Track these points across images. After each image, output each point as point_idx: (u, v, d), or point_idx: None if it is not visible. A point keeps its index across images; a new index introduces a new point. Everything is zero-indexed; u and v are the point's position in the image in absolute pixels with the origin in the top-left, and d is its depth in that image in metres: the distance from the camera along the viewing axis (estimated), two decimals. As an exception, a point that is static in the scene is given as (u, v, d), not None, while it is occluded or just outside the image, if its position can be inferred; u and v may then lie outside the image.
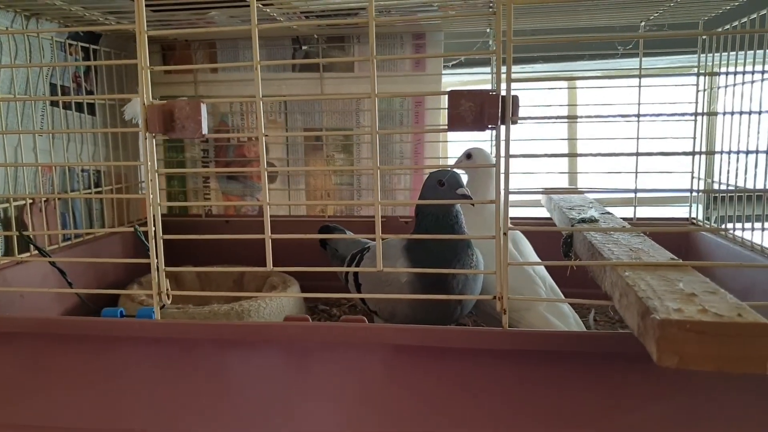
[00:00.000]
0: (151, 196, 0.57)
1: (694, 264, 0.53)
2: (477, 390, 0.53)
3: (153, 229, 0.58)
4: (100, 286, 0.96)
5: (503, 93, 0.51)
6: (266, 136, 0.58)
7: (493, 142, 1.10)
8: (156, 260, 0.58)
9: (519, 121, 0.53)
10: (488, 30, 1.04)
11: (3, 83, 0.83)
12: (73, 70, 0.98)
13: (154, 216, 0.57)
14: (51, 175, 0.95)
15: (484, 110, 0.51)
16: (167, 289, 0.59)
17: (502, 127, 0.52)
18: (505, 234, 0.53)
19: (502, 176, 0.52)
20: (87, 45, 1.00)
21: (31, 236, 0.81)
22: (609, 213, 0.79)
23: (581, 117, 0.97)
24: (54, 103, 0.94)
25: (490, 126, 0.52)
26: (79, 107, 1.00)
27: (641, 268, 0.51)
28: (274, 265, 0.58)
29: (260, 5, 0.79)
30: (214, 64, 1.15)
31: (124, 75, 1.10)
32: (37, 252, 0.86)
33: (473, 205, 0.83)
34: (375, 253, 0.85)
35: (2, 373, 0.60)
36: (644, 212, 1.08)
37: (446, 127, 0.52)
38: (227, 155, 1.18)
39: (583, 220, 0.75)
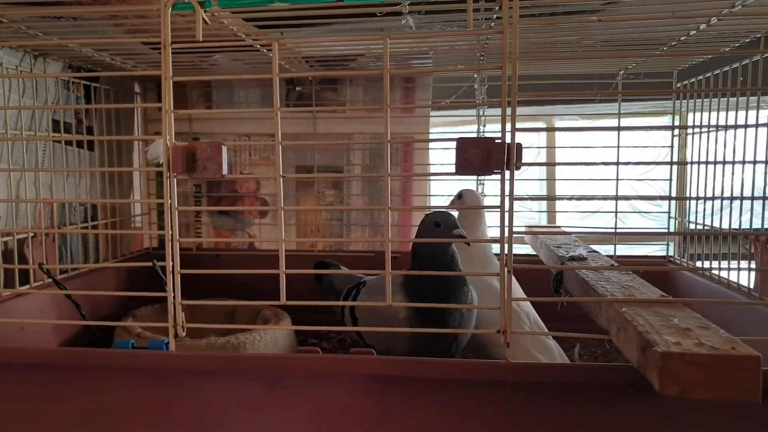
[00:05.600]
0: (171, 233, 0.60)
1: (681, 301, 0.57)
2: (478, 422, 0.56)
3: (171, 264, 0.60)
4: (94, 318, 0.97)
5: (508, 141, 0.55)
6: (283, 177, 0.61)
7: (480, 183, 1.17)
8: (173, 294, 0.60)
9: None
10: (475, 75, 1.09)
11: (11, 117, 0.85)
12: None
13: (173, 252, 0.60)
14: (50, 209, 0.97)
15: (491, 157, 0.55)
16: (182, 322, 0.61)
17: (507, 172, 0.56)
18: (509, 271, 0.57)
19: (507, 215, 0.56)
20: (88, 82, 1.03)
21: (49, 270, 0.83)
22: (595, 251, 0.84)
23: (580, 163, 1.02)
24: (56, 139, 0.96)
25: (495, 171, 0.56)
26: (79, 142, 1.02)
27: (636, 305, 0.55)
28: (264, 299, 0.64)
29: (265, 50, 0.82)
30: (209, 102, 1.19)
31: (122, 112, 1.13)
32: (38, 285, 0.88)
33: (469, 244, 0.86)
34: (371, 288, 0.88)
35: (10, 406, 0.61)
36: (622, 250, 1.13)
37: (452, 171, 0.57)
38: (219, 190, 1.20)
39: (572, 258, 0.79)
